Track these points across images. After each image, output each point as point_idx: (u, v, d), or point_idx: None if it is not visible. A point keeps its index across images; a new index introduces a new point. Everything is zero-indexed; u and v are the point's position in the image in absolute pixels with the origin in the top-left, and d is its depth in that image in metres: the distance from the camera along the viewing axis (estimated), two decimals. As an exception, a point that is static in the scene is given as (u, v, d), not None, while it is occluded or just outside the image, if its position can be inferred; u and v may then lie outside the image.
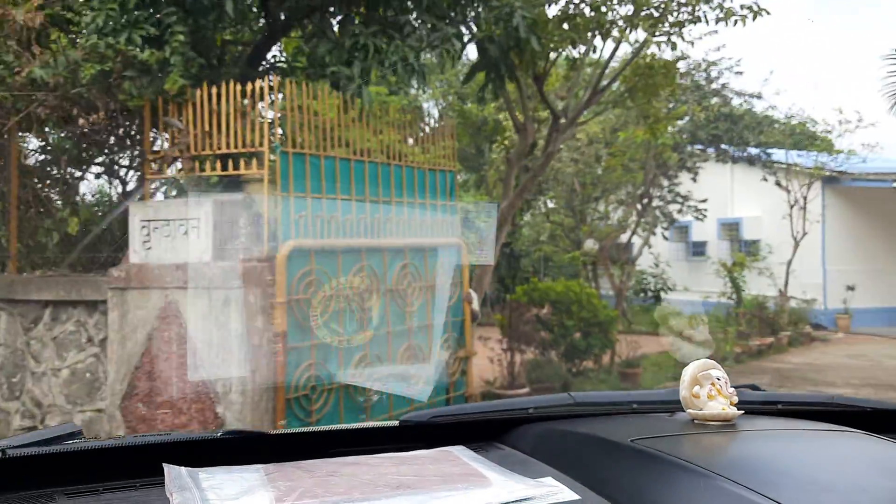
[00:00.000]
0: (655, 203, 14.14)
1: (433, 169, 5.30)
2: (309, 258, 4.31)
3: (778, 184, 14.87)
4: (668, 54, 7.78)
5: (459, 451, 1.29)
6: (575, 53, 8.35)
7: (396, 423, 1.40)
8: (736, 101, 14.75)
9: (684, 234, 19.55)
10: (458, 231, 5.49)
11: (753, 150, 14.73)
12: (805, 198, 13.94)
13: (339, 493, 1.04)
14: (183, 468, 1.14)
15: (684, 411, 1.36)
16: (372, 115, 4.93)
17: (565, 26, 7.22)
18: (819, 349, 12.79)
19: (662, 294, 17.57)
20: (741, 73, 14.79)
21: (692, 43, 7.95)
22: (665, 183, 14.36)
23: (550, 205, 13.86)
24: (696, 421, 1.33)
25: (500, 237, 7.92)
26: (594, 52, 8.22)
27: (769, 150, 14.71)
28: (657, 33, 7.03)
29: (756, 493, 0.94)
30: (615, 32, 7.50)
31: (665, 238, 16.35)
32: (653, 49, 7.81)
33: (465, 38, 6.16)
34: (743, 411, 1.33)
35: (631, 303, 18.13)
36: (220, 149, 4.43)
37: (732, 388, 1.36)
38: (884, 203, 16.38)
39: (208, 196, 4.17)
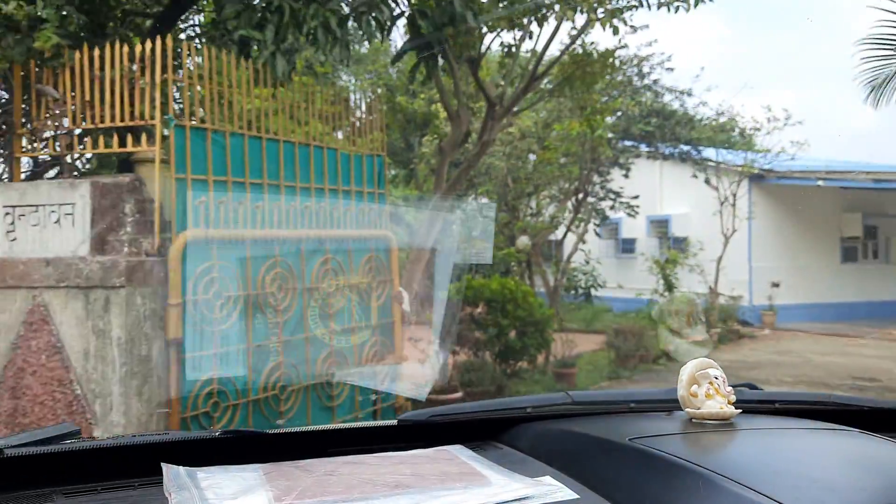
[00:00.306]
0: (589, 199, 13.90)
1: (359, 153, 4.71)
2: (210, 252, 3.66)
3: (707, 182, 14.90)
4: (607, 42, 7.43)
5: (457, 451, 1.28)
6: (510, 38, 7.92)
7: (395, 422, 1.38)
8: (667, 98, 14.68)
9: (614, 232, 19.53)
10: (388, 222, 4.93)
11: (684, 147, 14.69)
12: (734, 195, 13.98)
13: (338, 492, 1.03)
14: (181, 467, 1.13)
15: (682, 410, 1.34)
16: (293, 98, 4.32)
17: (501, 6, 6.76)
18: (748, 346, 12.82)
19: (593, 291, 17.49)
20: (672, 69, 14.67)
21: (634, 28, 7.61)
22: (597, 179, 14.17)
23: (483, 200, 13.43)
24: (694, 420, 1.32)
25: (432, 232, 7.40)
26: (530, 38, 7.81)
27: (699, 148, 14.71)
28: (598, 16, 6.63)
29: (754, 491, 0.94)
30: (552, 19, 7.10)
31: (597, 235, 16.20)
32: (591, 37, 7.44)
33: (396, 12, 5.59)
34: (741, 410, 1.32)
35: (562, 300, 18.00)
36: (103, 122, 3.73)
37: (730, 387, 1.34)
38: (809, 201, 16.69)
39: (86, 177, 3.47)
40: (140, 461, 1.17)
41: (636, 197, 14.46)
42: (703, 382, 1.34)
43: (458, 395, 7.82)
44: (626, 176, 14.80)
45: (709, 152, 15.07)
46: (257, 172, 4.00)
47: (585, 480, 1.13)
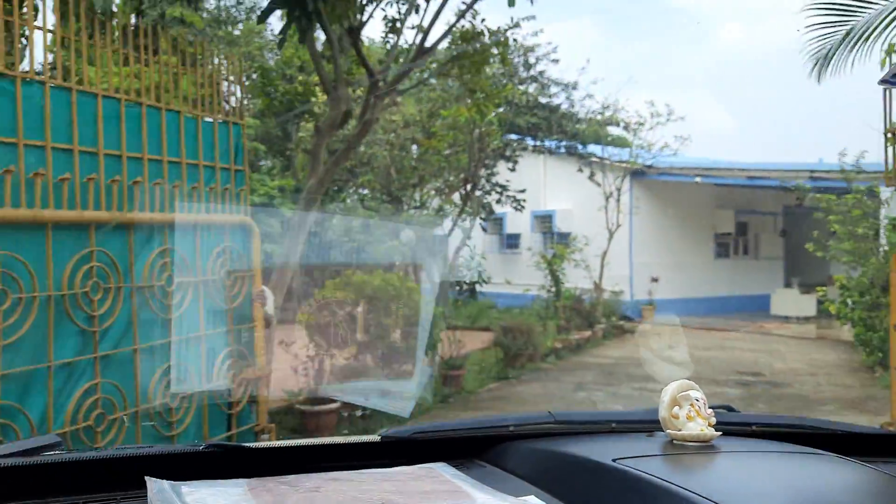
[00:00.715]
0: (476, 192, 13.40)
1: (210, 119, 3.81)
2: (-11, 238, 2.69)
3: (591, 177, 14.82)
4: (499, 21, 6.84)
5: (441, 468, 1.29)
6: (395, 13, 7.19)
7: (378, 438, 1.38)
8: (553, 90, 14.43)
9: (499, 227, 19.25)
10: (248, 207, 4.05)
11: (569, 142, 14.49)
12: (619, 190, 13.93)
13: None
14: (165, 481, 1.12)
15: (663, 431, 1.35)
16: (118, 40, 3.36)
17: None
18: (631, 341, 12.75)
19: (479, 287, 17.14)
20: (557, 60, 14.46)
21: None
22: (483, 172, 13.70)
23: (364, 191, 12.62)
24: (675, 441, 1.33)
25: (306, 222, 6.55)
26: (416, 11, 7.11)
27: (584, 143, 14.56)
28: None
29: None
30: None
31: (483, 229, 15.77)
32: (482, 15, 6.85)
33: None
34: (720, 432, 1.34)
35: (448, 295, 17.49)
36: None
37: (710, 410, 1.35)
38: (687, 197, 17.04)
39: None
40: (123, 474, 1.16)
41: (523, 191, 14.13)
42: (685, 404, 1.34)
43: (336, 405, 7.00)
44: (512, 169, 14.43)
45: (594, 148, 14.99)
46: (64, 135, 3.04)
47: (569, 500, 1.14)
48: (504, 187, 13.72)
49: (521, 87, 13.44)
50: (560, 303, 12.03)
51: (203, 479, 1.16)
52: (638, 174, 15.47)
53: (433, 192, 13.80)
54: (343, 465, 1.28)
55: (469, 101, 9.11)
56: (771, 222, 18.95)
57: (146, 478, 1.12)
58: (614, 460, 1.18)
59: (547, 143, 15.64)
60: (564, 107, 14.06)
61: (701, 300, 17.19)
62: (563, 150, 15.20)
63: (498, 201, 13.84)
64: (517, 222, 18.55)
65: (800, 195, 17.70)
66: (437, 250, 14.74)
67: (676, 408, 1.33)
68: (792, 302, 16.46)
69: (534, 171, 17.75)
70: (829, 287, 18.02)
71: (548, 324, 11.68)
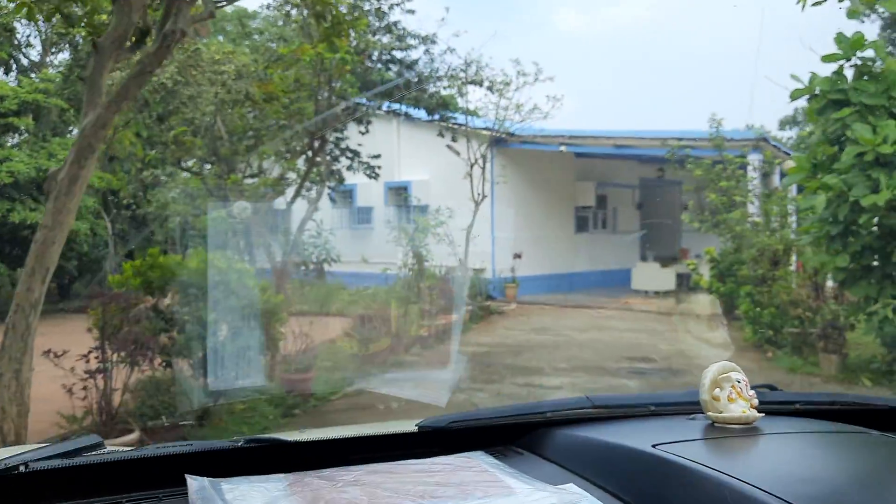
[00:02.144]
0: (324, 157, 11.50)
1: None
2: None
3: (450, 146, 13.44)
4: None
5: (479, 457, 1.28)
6: None
7: (415, 428, 1.37)
8: (409, 43, 12.78)
9: (348, 199, 17.46)
10: None
11: (427, 103, 12.94)
12: (485, 158, 12.61)
13: (363, 502, 1.03)
14: (206, 479, 1.12)
15: (704, 414, 1.32)
16: None
17: None
18: (500, 323, 11.55)
19: (327, 267, 15.42)
20: (413, 11, 12.80)
21: None
22: (331, 135, 11.84)
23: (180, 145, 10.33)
24: (716, 424, 1.30)
25: (82, 174, 4.51)
26: None
27: (445, 105, 13.07)
28: None
29: (780, 499, 0.93)
30: None
31: (331, 200, 13.93)
32: None
33: None
34: (763, 413, 1.31)
35: (291, 277, 15.61)
36: None
37: (752, 391, 1.33)
38: (550, 168, 16.13)
39: None
40: (164, 473, 1.16)
41: (377, 156, 12.47)
42: (726, 386, 1.30)
43: (134, 435, 5.02)
44: (364, 132, 12.70)
45: (456, 113, 13.55)
46: None
47: (609, 488, 1.11)
48: (355, 152, 11.97)
49: (374, 38, 11.68)
50: (424, 283, 10.52)
51: (243, 474, 1.15)
52: (500, 142, 14.29)
53: (274, 157, 11.76)
54: (381, 456, 1.26)
55: (314, 35, 7.27)
56: (629, 195, 18.60)
57: (186, 475, 1.11)
58: (654, 446, 1.15)
59: (403, 108, 14.07)
60: (423, 62, 12.46)
61: (563, 276, 16.47)
62: (421, 113, 13.65)
63: (349, 168, 12.07)
64: (369, 194, 16.86)
65: (661, 167, 17.44)
66: (278, 225, 12.68)
67: (717, 389, 1.30)
68: (652, 276, 16.08)
69: (388, 138, 16.11)
70: (684, 261, 18.02)
71: (410, 308, 10.14)
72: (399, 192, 16.62)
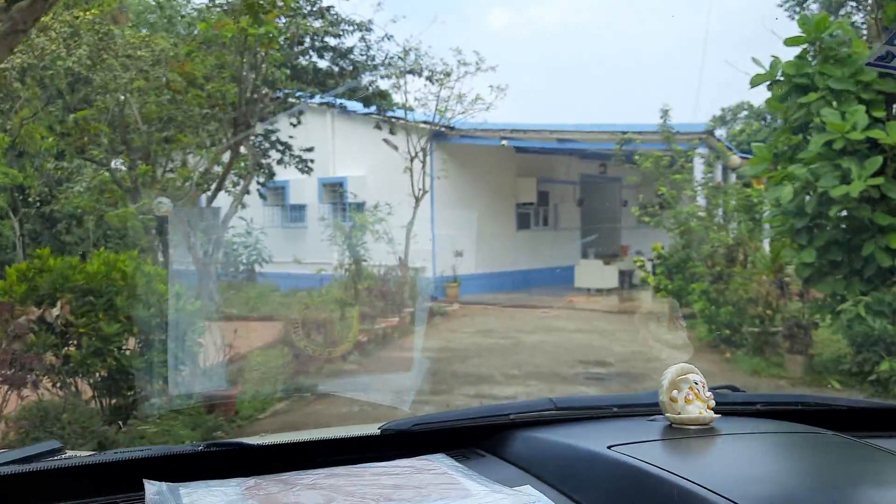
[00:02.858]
0: (251, 149, 10.63)
1: None
2: None
3: (386, 140, 12.75)
4: None
5: (440, 460, 1.27)
6: None
7: (378, 431, 1.36)
8: (343, 29, 11.99)
9: (280, 196, 16.53)
10: None
11: (363, 92, 12.18)
12: (424, 151, 11.95)
13: None
14: (164, 483, 1.11)
15: (663, 415, 1.33)
16: None
17: None
18: (444, 326, 10.92)
19: (258, 268, 14.55)
20: (348, -4, 12.03)
21: None
22: (259, 126, 10.96)
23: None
24: (674, 425, 1.31)
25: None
26: None
27: (382, 96, 12.33)
28: None
29: (727, 499, 0.94)
30: None
31: (262, 197, 13.02)
32: None
33: None
34: (720, 414, 1.32)
35: (218, 279, 14.63)
36: None
37: (710, 392, 1.34)
38: (491, 163, 15.60)
39: None
40: (124, 478, 1.15)
41: (310, 149, 11.64)
42: (683, 387, 1.31)
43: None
44: (295, 124, 11.86)
45: (393, 105, 12.82)
46: None
47: (564, 489, 1.13)
48: (286, 145, 11.12)
49: (306, 21, 10.86)
50: (362, 285, 9.79)
51: (204, 479, 1.15)
52: (440, 136, 13.67)
53: (195, 148, 10.80)
54: (343, 459, 1.25)
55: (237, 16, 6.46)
56: (570, 192, 18.26)
57: (144, 480, 1.11)
58: (609, 447, 1.17)
59: (338, 100, 13.26)
60: (359, 50, 11.69)
61: (505, 274, 15.99)
62: (356, 105, 12.88)
63: (280, 161, 11.21)
64: (303, 191, 15.98)
65: (604, 163, 17.13)
66: (201, 223, 11.73)
67: (675, 391, 1.30)
68: (595, 274, 15.74)
69: (321, 132, 15.28)
70: (625, 258, 17.79)
71: (348, 311, 9.40)
72: (334, 189, 15.79)
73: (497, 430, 1.37)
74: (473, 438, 1.38)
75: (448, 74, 11.51)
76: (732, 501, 0.92)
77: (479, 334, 9.91)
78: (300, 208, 16.47)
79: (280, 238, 16.06)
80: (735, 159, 11.88)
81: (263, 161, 10.95)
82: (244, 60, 7.48)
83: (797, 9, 29.93)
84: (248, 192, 11.71)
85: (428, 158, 12.77)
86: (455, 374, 7.32)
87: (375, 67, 10.89)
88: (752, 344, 7.41)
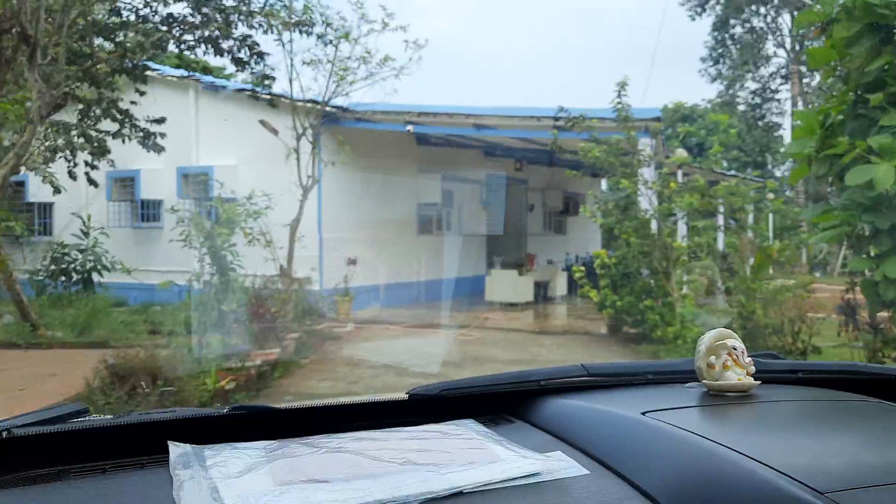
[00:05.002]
0: (74, 118, 7.71)
1: None
2: None
3: (263, 122, 10.15)
4: None
5: (468, 425, 1.23)
6: None
7: (406, 396, 1.33)
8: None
9: (129, 189, 13.39)
10: None
11: (235, 52, 9.44)
12: (313, 131, 9.40)
13: (343, 469, 1.00)
14: (188, 445, 1.09)
15: (699, 381, 1.30)
16: None
17: None
18: (338, 356, 8.43)
19: (97, 276, 11.62)
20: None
21: None
22: (88, 87, 8.05)
23: None
24: (711, 392, 1.27)
25: None
26: None
27: (259, 55, 9.63)
28: None
29: (765, 465, 0.91)
30: None
31: (91, 184, 9.95)
32: None
33: None
34: (760, 381, 1.28)
35: (46, 291, 11.46)
36: None
37: (749, 358, 1.29)
38: (390, 154, 13.23)
39: None
40: (149, 439, 1.12)
41: (160, 121, 8.81)
42: (721, 353, 1.26)
43: None
44: (141, 93, 8.98)
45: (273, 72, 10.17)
46: None
47: (597, 455, 1.10)
48: (126, 112, 8.25)
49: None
50: (231, 302, 7.11)
51: (229, 441, 1.11)
52: (332, 119, 11.17)
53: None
54: (370, 424, 1.20)
55: None
56: (476, 192, 16.18)
57: (169, 442, 1.09)
58: (644, 413, 1.13)
59: (200, 59, 10.49)
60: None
61: (404, 286, 13.71)
62: (224, 77, 10.12)
63: (118, 133, 8.29)
64: (157, 183, 12.96)
65: (520, 161, 15.17)
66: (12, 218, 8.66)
67: (713, 357, 1.26)
68: (509, 286, 13.74)
69: (182, 112, 12.39)
70: (534, 269, 15.91)
71: (206, 340, 6.73)
72: (198, 181, 12.84)
73: (526, 396, 1.33)
74: (502, 404, 1.35)
75: (346, 36, 9.03)
76: (774, 469, 0.88)
77: (389, 369, 7.49)
78: (155, 204, 13.39)
79: (129, 240, 13.00)
80: (682, 152, 10.15)
81: (91, 132, 8.01)
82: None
83: (699, 9, 29.71)
84: (74, 178, 8.70)
85: (317, 146, 10.25)
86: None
87: (250, 15, 8.21)
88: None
